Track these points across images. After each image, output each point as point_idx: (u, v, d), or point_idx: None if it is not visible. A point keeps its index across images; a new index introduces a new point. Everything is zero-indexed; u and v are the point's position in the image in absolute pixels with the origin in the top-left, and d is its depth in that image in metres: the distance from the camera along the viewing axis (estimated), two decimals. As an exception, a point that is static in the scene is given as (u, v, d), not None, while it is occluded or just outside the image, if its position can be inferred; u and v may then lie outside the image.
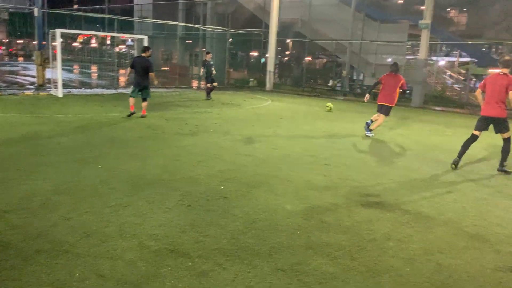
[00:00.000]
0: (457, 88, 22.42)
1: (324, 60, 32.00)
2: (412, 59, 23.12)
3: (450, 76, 24.17)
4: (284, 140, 8.95)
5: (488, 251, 3.99)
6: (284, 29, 24.57)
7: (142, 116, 10.69)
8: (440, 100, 19.28)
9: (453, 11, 36.16)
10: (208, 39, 28.74)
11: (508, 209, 5.25)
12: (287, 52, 33.15)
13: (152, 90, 17.05)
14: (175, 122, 10.47)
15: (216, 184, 5.55)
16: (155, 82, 11.13)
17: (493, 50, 31.01)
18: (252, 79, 25.34)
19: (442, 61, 27.01)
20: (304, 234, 4.11)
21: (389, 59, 22.66)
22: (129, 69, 10.98)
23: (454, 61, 28.46)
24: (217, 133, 9.16)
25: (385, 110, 9.93)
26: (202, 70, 16.20)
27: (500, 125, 7.01)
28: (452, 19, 34.80)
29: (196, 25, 25.81)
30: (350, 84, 22.96)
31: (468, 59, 28.52)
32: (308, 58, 28.93)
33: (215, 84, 16.37)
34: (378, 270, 3.50)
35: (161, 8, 33.62)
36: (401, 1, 26.51)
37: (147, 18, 31.13)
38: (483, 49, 29.63)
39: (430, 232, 4.36)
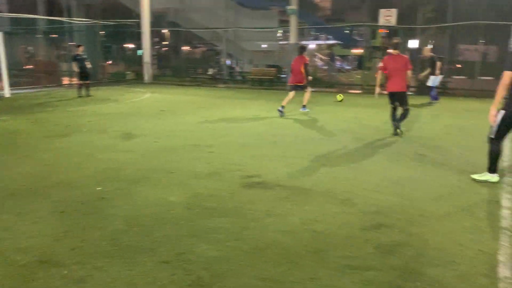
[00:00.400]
0: (326, 69, 24.18)
1: (203, 49, 32.03)
2: (285, 44, 24.26)
3: (320, 58, 25.96)
4: (166, 132, 8.78)
5: (356, 213, 4.41)
6: (158, 19, 23.93)
7: None
8: (313, 81, 20.58)
9: (317, -3, 38.70)
10: (77, 33, 26.78)
11: (371, 173, 5.84)
12: (165, 43, 32.42)
13: (14, 91, 15.46)
14: (43, 124, 9.61)
15: (93, 185, 5.24)
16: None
17: (355, 32, 33.94)
18: (129, 72, 24.31)
19: (312, 45, 28.81)
20: (188, 223, 4.10)
21: (264, 45, 23.50)
22: None
23: (322, 44, 30.55)
24: (92, 132, 8.64)
25: (301, 88, 11.54)
26: (75, 65, 14.96)
27: (402, 99, 8.28)
28: (318, 4, 37.25)
29: (59, 18, 23.83)
30: (230, 72, 23.33)
31: (334, 41, 30.85)
32: (186, 48, 28.65)
33: (88, 82, 15.37)
34: (261, 246, 3.65)
35: (17, 1, 30.33)
36: (270, -12, 27.50)
37: (0, 12, 27.84)
38: (347, 31, 32.29)
39: (306, 204, 4.67)
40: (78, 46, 15.41)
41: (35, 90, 17.54)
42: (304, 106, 11.76)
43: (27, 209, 4.46)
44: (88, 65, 15.09)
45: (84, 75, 14.97)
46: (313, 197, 4.88)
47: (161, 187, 5.20)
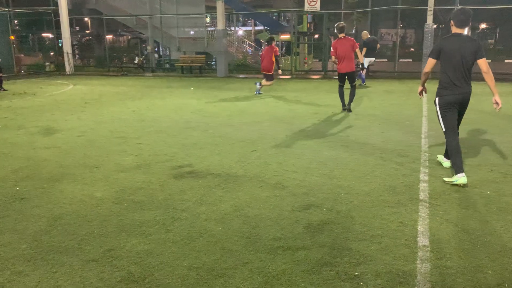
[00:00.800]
0: (256, 56, 24.29)
1: (128, 37, 30.81)
2: (213, 30, 24.02)
3: (249, 45, 26.03)
4: (90, 125, 8.38)
5: (287, 196, 4.50)
6: (77, 6, 22.64)
7: None
8: (243, 68, 20.64)
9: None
10: (-15, 22, 24.57)
11: (300, 156, 5.99)
12: (87, 31, 30.77)
13: None
14: (-49, 122, 8.77)
15: (10, 186, 4.88)
16: None
17: (282, 17, 34.45)
18: (48, 63, 22.84)
19: (240, 31, 28.81)
20: (116, 219, 3.96)
21: (192, 32, 23.12)
22: None
23: (250, 30, 30.66)
24: (7, 129, 8.03)
25: (266, 77, 12.35)
26: None
27: (351, 77, 9.26)
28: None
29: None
30: (158, 60, 22.71)
31: (262, 27, 31.07)
32: (109, 36, 27.42)
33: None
34: (193, 236, 3.61)
35: None
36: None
37: None
38: (274, 17, 32.63)
39: (238, 190, 4.69)
40: None
41: None
42: (258, 90, 12.62)
43: None
44: None
45: None
46: (245, 183, 4.91)
47: (86, 183, 4.96)
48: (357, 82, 11.20)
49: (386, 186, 4.78)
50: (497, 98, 4.71)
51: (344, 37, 9.03)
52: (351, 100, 9.44)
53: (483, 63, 4.70)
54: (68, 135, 7.51)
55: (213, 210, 4.14)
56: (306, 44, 21.86)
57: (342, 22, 9.39)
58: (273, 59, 12.01)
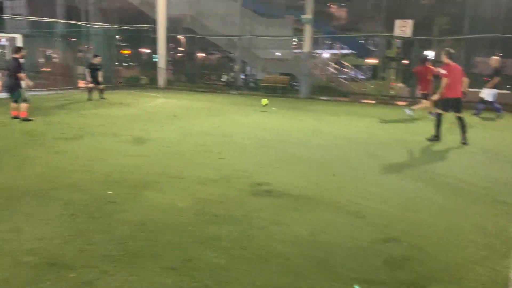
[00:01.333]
0: (340, 79, 24.12)
1: (217, 56, 32.21)
2: (298, 52, 24.30)
3: (334, 68, 25.91)
4: (177, 137, 8.83)
5: (365, 226, 4.37)
6: (173, 25, 24.17)
7: (23, 120, 10.16)
8: (326, 90, 20.56)
9: (333, 6, 38.72)
10: (93, 36, 27.15)
11: (380, 185, 5.79)
12: (180, 49, 32.72)
13: (33, 93, 15.69)
14: (57, 126, 9.74)
15: (103, 189, 5.29)
16: (29, 84, 10.65)
17: (370, 42, 33.85)
18: (143, 77, 24.56)
19: (326, 54, 28.82)
20: (196, 230, 4.11)
21: (278, 53, 23.59)
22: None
23: (336, 53, 30.52)
24: (104, 136, 8.72)
25: (424, 97, 12.46)
26: (88, 73, 15.37)
27: (458, 105, 8.78)
28: (333, 13, 37.25)
29: (77, 22, 24.22)
30: (244, 78, 23.42)
31: (348, 51, 30.79)
32: (201, 54, 28.87)
33: (101, 87, 15.50)
34: (266, 256, 3.63)
35: (37, 4, 30.93)
36: (285, -3, 27.67)
37: (21, 14, 28.45)
38: (361, 41, 32.22)
39: (314, 214, 4.64)
40: (96, 56, 15.86)
41: (51, 92, 17.80)
42: (409, 109, 12.67)
43: (37, 210, 4.51)
44: (100, 77, 15.33)
45: (95, 81, 15.31)
46: (321, 207, 4.85)
47: (170, 193, 5.22)
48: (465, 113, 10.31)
49: (475, 225, 4.45)
50: None
51: (454, 64, 8.85)
52: (464, 132, 8.78)
53: None
54: (156, 145, 7.98)
55: (288, 232, 4.14)
56: (393, 70, 21.25)
57: (451, 49, 9.15)
58: (429, 77, 12.00)
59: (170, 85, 22.71)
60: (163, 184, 5.57)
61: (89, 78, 15.33)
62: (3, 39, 27.97)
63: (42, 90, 17.61)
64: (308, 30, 19.06)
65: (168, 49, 24.35)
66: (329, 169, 6.55)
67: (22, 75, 10.15)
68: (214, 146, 7.99)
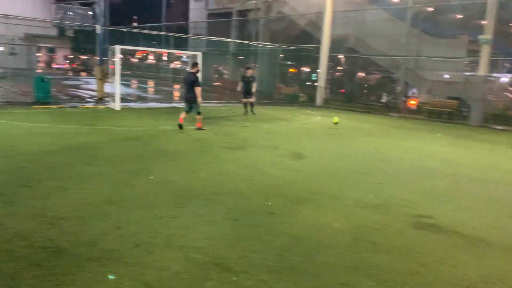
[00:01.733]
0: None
1: (378, 76, 31.40)
2: (471, 75, 22.15)
3: (512, 93, 22.87)
4: (333, 156, 8.79)
5: (556, 283, 3.67)
6: (336, 45, 24.42)
7: (197, 129, 11.02)
8: (502, 119, 18.25)
9: (517, 25, 34.33)
10: (260, 55, 29.11)
11: None
12: (339, 68, 32.88)
13: (204, 104, 17.48)
14: (224, 136, 10.61)
15: (263, 199, 5.52)
16: (199, 99, 10.95)
17: (562, 66, 29.02)
18: (302, 95, 25.29)
19: (505, 78, 25.66)
20: (352, 254, 3.98)
21: (446, 76, 21.86)
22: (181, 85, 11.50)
23: (517, 78, 26.92)
24: (265, 148, 9.17)
25: None
26: (240, 85, 15.73)
27: None
28: (516, 33, 33.00)
29: (248, 42, 26.25)
30: (405, 101, 22.31)
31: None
32: (360, 74, 28.50)
33: (251, 100, 15.83)
34: (431, 296, 3.31)
35: (215, 25, 34.54)
36: (460, 16, 25.59)
37: (201, 35, 32.11)
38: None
39: (488, 259, 4.08)
40: (248, 68, 16.16)
41: (220, 104, 19.56)
42: None
43: (205, 212, 4.92)
44: (254, 88, 15.59)
45: (247, 93, 15.60)
46: (497, 253, 4.24)
47: (325, 211, 5.18)
48: None
49: None
50: None
51: None
52: None
53: None
54: (313, 162, 8.06)
55: (456, 275, 3.71)
56: None
57: None
58: None
59: (327, 104, 22.90)
60: (319, 202, 5.56)
61: (239, 88, 15.64)
62: (185, 56, 31.95)
63: (212, 102, 19.46)
64: (485, 51, 17.26)
65: (328, 68, 24.66)
66: (508, 210, 5.73)
67: (198, 89, 10.87)
68: (372, 169, 7.72)
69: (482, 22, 17.88)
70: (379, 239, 4.39)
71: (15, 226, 4.19)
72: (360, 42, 23.80)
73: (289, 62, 27.92)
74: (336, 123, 13.59)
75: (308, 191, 6.05)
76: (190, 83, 10.92)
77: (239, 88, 15.75)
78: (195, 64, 11.41)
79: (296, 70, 27.83)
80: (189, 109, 11.13)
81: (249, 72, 15.81)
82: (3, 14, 16.69)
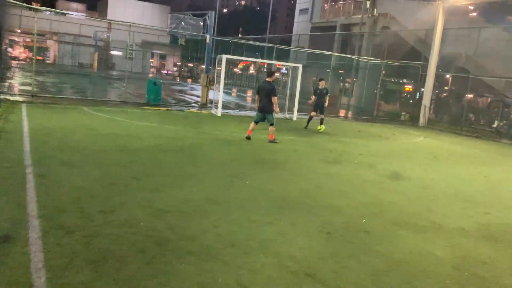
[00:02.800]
0: None
1: (489, 99, 29.03)
2: None
3: None
4: (436, 180, 8.28)
5: None
6: (444, 63, 23.06)
7: (270, 141, 10.50)
8: None
9: None
10: (361, 70, 28.53)
11: None
12: (446, 88, 30.97)
13: (299, 116, 17.55)
14: (319, 149, 10.55)
15: (358, 216, 5.38)
16: (276, 110, 10.54)
17: None
18: (404, 113, 24.24)
19: None
20: (455, 286, 3.70)
21: None
22: (256, 96, 10.82)
23: None
24: (362, 165, 8.93)
25: None
26: (313, 98, 14.30)
27: None
28: None
29: (350, 56, 25.89)
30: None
31: None
32: (469, 96, 26.57)
33: (322, 116, 14.39)
34: None
35: (318, 38, 34.66)
36: None
37: (303, 47, 32.39)
38: None
39: None
40: (321, 80, 14.72)
41: (317, 118, 19.47)
42: None
43: (300, 221, 4.93)
44: (326, 102, 14.29)
45: (318, 108, 14.24)
46: None
47: (425, 237, 4.89)
48: None
49: None
50: None
51: None
52: None
53: None
54: (413, 184, 7.67)
55: None
56: None
57: None
58: None
59: (430, 125, 21.66)
60: (420, 226, 5.26)
61: (311, 101, 14.35)
62: (284, 68, 32.47)
63: (308, 114, 19.43)
64: None
65: (434, 87, 23.35)
66: None
67: (275, 99, 10.31)
68: (479, 197, 7.13)
69: None
70: (486, 274, 4.03)
71: (125, 214, 4.58)
72: (472, 61, 22.18)
73: (388, 79, 26.96)
74: (320, 130, 13.34)
75: (408, 214, 5.76)
76: (267, 91, 10.35)
77: (312, 100, 14.34)
78: (272, 73, 11.08)
79: (412, 89, 26.74)
80: (261, 119, 10.64)
81: (322, 84, 14.31)
82: (127, 22, 18.42)
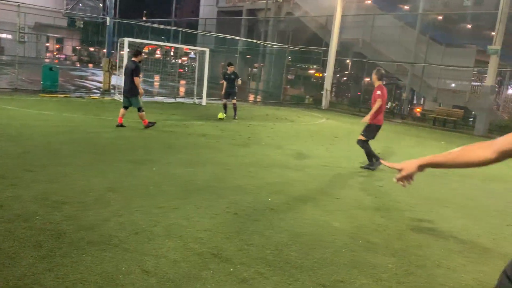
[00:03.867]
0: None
1: (384, 82, 31.32)
2: (478, 85, 22.13)
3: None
4: (336, 158, 8.82)
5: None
6: (344, 49, 24.43)
7: (147, 127, 9.80)
8: (507, 130, 18.21)
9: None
10: (268, 55, 29.14)
11: None
12: (346, 72, 32.89)
13: (211, 101, 17.50)
14: (229, 132, 10.65)
15: (264, 195, 5.55)
16: (141, 91, 9.60)
17: None
18: (308, 97, 25.31)
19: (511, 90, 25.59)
20: (350, 253, 4.00)
21: (453, 84, 21.84)
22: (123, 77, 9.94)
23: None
24: (269, 146, 9.20)
25: None
26: (225, 84, 13.47)
27: None
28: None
29: (257, 41, 26.28)
30: (409, 107, 22.32)
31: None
32: (367, 79, 28.50)
33: (234, 101, 13.49)
34: (426, 297, 3.33)
35: (224, 23, 34.62)
36: (469, 26, 25.54)
37: (210, 32, 32.16)
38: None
39: (484, 264, 4.10)
40: (229, 65, 13.74)
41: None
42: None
43: (206, 204, 4.96)
44: (239, 81, 13.43)
45: (229, 94, 13.48)
46: (493, 259, 4.26)
47: (326, 210, 5.21)
48: None
49: None
50: None
51: None
52: None
53: None
54: (315, 162, 8.09)
55: (452, 277, 3.73)
56: None
57: None
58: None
59: (332, 107, 22.91)
60: (320, 201, 5.59)
61: (223, 91, 13.50)
62: (192, 53, 32.00)
63: (218, 100, 19.49)
64: (493, 62, 17.23)
65: (334, 72, 24.67)
66: (506, 218, 5.74)
67: (137, 79, 9.47)
68: (373, 172, 7.74)
69: (492, 33, 17.85)
70: (378, 240, 4.41)
71: (17, 208, 4.24)
72: (369, 47, 23.79)
73: (292, 63, 27.93)
74: (220, 118, 12.91)
75: (310, 190, 6.08)
76: (130, 71, 9.46)
77: (223, 90, 13.57)
78: (138, 52, 10.03)
79: (321, 75, 27.82)
80: (128, 104, 9.73)
81: (231, 69, 13.40)
82: (15, 1, 16.77)
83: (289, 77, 30.07)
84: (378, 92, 7.82)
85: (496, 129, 18.06)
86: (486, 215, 5.82)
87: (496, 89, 20.68)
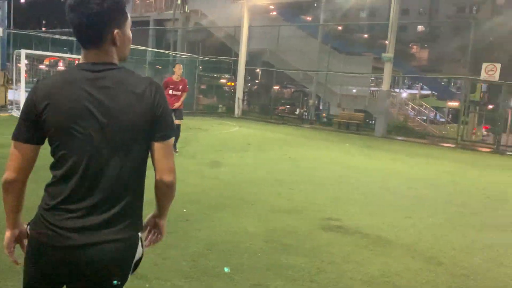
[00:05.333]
0: (418, 119, 23.33)
1: (292, 90, 32.66)
2: (376, 90, 23.98)
3: (412, 108, 25.16)
4: (250, 164, 9.00)
5: (442, 273, 4.11)
6: (253, 58, 25.06)
7: None
8: (403, 130, 19.96)
9: (415, 46, 38.00)
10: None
11: (462, 234, 5.44)
12: (257, 81, 33.73)
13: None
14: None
15: (179, 206, 5.48)
16: None
17: (452, 84, 32.57)
18: (221, 106, 25.51)
19: (405, 93, 28.12)
20: (265, 256, 4.12)
21: (354, 90, 23.45)
22: None
23: (416, 94, 29.67)
24: (183, 156, 9.12)
25: None
26: None
27: None
28: (414, 54, 36.49)
29: (165, 51, 25.95)
30: (316, 113, 23.49)
31: (428, 92, 29.83)
32: (276, 87, 29.46)
33: None
34: (337, 291, 3.54)
35: (132, 33, 33.64)
36: (366, 36, 27.67)
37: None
38: (443, 83, 31.10)
39: (388, 255, 4.46)
40: None
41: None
42: None
43: (119, 221, 4.78)
44: None
45: None
46: (395, 250, 4.65)
47: (241, 217, 5.30)
48: None
49: None
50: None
51: None
52: None
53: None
54: (231, 170, 8.19)
55: (360, 271, 4.01)
56: (476, 114, 20.17)
57: None
58: None
59: (245, 115, 23.33)
60: (236, 208, 5.67)
61: None
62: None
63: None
64: (387, 69, 18.82)
65: (245, 81, 25.19)
66: (406, 213, 6.28)
67: None
68: (286, 177, 8.02)
69: (385, 41, 19.49)
70: (291, 241, 4.59)
71: None
72: (275, 56, 24.68)
73: (204, 73, 28.02)
74: None
75: (225, 197, 6.14)
76: None
77: None
78: None
79: (233, 84, 28.05)
80: None
81: None
82: None
83: (202, 86, 30.07)
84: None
85: (393, 130, 19.70)
86: (387, 209, 6.33)
87: (393, 94, 22.61)
